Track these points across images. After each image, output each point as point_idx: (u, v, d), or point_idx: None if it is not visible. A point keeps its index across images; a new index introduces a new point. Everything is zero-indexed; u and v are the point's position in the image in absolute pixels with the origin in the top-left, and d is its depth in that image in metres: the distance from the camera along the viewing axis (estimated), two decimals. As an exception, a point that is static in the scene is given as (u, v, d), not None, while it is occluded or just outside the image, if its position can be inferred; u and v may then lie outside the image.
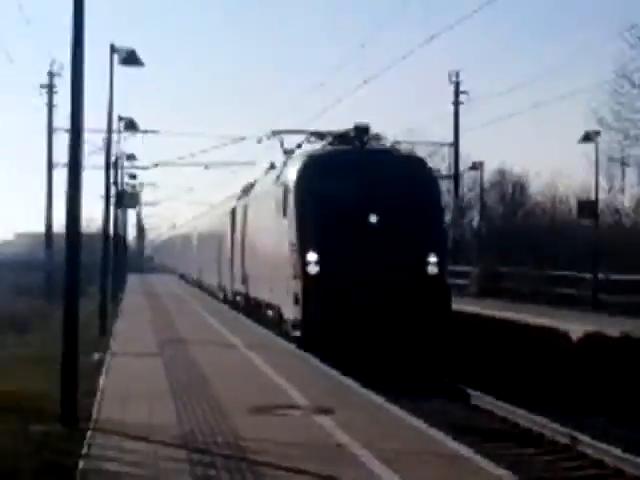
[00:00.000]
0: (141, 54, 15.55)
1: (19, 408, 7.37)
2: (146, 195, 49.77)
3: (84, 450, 5.53)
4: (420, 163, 16.83)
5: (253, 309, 19.77)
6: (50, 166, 32.14)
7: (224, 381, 9.97)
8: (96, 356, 12.52)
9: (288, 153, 17.79)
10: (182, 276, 48.81)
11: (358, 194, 14.30)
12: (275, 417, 7.51)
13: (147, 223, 73.09)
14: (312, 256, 13.72)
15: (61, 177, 29.40)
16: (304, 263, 13.70)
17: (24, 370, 10.48)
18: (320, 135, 16.98)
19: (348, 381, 10.08)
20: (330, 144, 16.31)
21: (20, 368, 10.74)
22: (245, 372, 11.07)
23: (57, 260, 22.78)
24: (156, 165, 33.45)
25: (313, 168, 14.96)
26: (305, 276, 13.65)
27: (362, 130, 15.32)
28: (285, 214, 14.95)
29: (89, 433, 6.26)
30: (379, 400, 8.66)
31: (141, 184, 41.69)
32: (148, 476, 4.82)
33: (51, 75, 32.63)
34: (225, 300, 26.49)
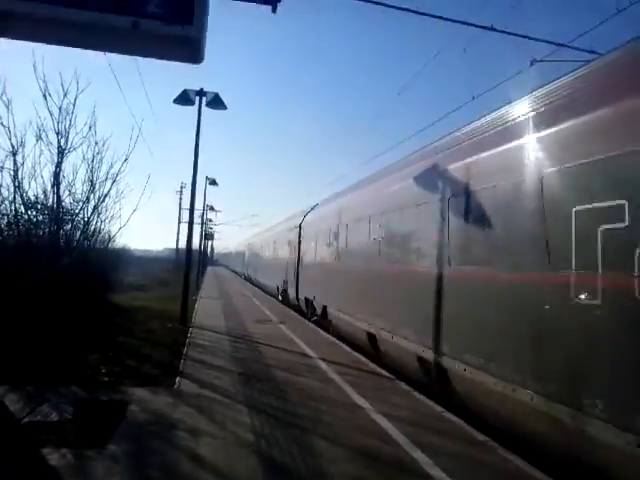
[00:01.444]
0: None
1: (163, 316, 16.59)
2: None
3: (189, 333, 14.24)
4: None
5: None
6: (179, 220, 62.99)
7: (246, 311, 20.67)
8: (194, 297, 23.52)
9: None
10: (233, 271, 79.13)
11: None
12: (264, 324, 16.76)
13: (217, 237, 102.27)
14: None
15: (185, 217, 57.23)
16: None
17: (166, 301, 21.16)
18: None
19: (292, 312, 20.94)
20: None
21: (164, 301, 21.68)
22: (254, 309, 22.15)
23: (180, 259, 45.50)
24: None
25: None
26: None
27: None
28: None
29: (191, 327, 15.06)
30: (303, 319, 18.05)
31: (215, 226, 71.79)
32: (213, 343, 13.28)
33: (181, 187, 61.90)
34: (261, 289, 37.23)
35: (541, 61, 12.89)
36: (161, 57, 5.58)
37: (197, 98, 16.97)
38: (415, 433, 6.64)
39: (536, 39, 12.72)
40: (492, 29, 11.96)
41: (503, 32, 12.16)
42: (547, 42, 12.62)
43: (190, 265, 18.33)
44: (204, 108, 17.07)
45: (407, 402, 8.26)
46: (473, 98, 14.17)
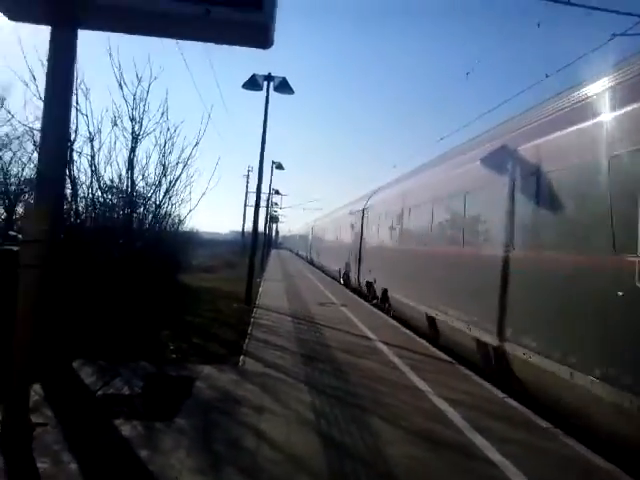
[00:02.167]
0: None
1: (229, 297, 17.09)
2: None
3: (253, 313, 14.59)
4: None
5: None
6: (245, 203, 63.95)
7: (308, 293, 21.00)
8: (258, 279, 23.77)
9: None
10: (297, 254, 79.70)
11: None
12: (326, 307, 16.92)
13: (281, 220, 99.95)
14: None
15: (250, 201, 58.90)
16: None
17: (232, 283, 21.62)
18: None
19: (354, 295, 21.32)
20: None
21: (230, 282, 22.19)
22: (316, 291, 22.62)
23: (246, 242, 46.77)
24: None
25: None
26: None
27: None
28: None
29: (255, 309, 15.41)
30: (364, 302, 18.08)
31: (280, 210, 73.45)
32: (276, 323, 13.55)
33: (248, 171, 64.13)
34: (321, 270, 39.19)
35: (622, 34, 12.23)
36: (231, 43, 5.73)
37: (265, 83, 17.14)
38: (476, 418, 6.61)
39: (616, 12, 12.08)
40: (568, 3, 11.44)
41: (579, 6, 11.61)
42: (628, 14, 11.97)
43: (255, 248, 18.75)
44: (272, 92, 17.28)
45: (467, 386, 8.20)
46: (547, 76, 13.64)
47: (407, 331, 13.15)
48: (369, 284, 19.89)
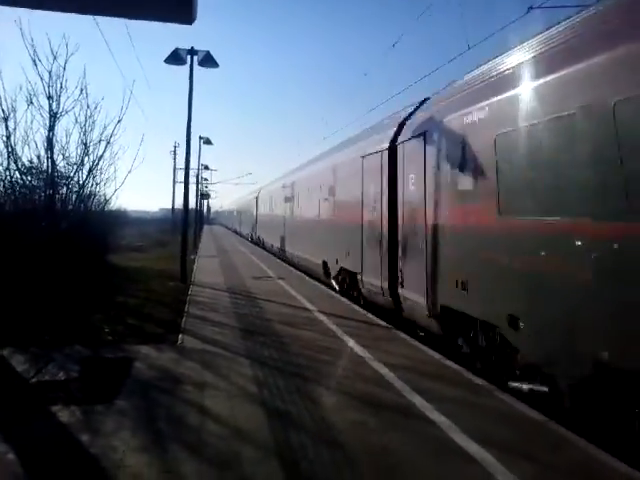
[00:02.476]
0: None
1: (163, 276, 16.76)
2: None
3: (189, 291, 14.39)
4: None
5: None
6: (174, 180, 64.15)
7: (244, 267, 20.79)
8: (192, 256, 23.54)
9: None
10: (226, 227, 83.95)
11: None
12: (262, 280, 16.85)
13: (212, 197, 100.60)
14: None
15: (179, 178, 60.16)
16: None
17: (165, 261, 21.47)
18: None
19: (290, 268, 21.21)
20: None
21: (162, 261, 21.90)
22: (252, 265, 22.48)
23: (176, 219, 46.62)
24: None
25: None
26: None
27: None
28: None
29: (191, 286, 15.19)
30: (305, 276, 18.13)
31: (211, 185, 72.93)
32: (213, 300, 13.41)
33: (175, 147, 63.28)
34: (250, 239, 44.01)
35: (539, 7, 12.57)
36: (152, 18, 5.47)
37: (188, 57, 16.81)
38: (414, 379, 6.82)
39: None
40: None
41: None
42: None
43: (187, 224, 18.47)
44: (196, 67, 16.92)
45: (405, 350, 8.44)
46: (469, 47, 13.91)
47: (346, 301, 13.34)
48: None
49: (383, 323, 10.55)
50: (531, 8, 12.81)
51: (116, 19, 6.26)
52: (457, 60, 14.12)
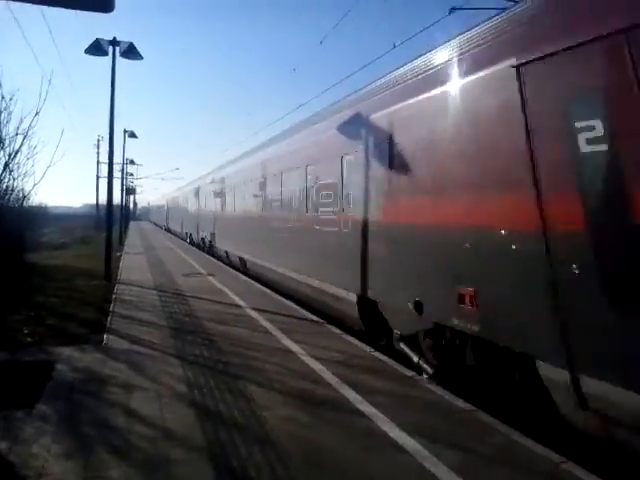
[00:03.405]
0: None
1: (86, 274, 16.12)
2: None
3: (114, 289, 13.91)
4: None
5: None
6: (98, 175, 60.76)
7: (172, 264, 20.44)
8: (118, 253, 22.93)
9: None
10: (154, 223, 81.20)
11: None
12: (192, 277, 16.55)
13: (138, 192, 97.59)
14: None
15: (103, 172, 55.71)
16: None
17: (89, 258, 20.74)
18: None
19: (220, 264, 20.73)
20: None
21: (86, 258, 21.14)
22: (181, 261, 22.32)
23: (101, 215, 44.71)
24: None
25: None
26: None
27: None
28: None
29: (116, 284, 14.70)
30: (235, 272, 17.82)
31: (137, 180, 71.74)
32: (141, 298, 13.04)
33: (98, 140, 58.80)
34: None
35: (460, 9, 13.00)
36: (70, 6, 5.21)
37: (110, 48, 16.20)
38: (346, 373, 6.88)
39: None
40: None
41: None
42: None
43: (112, 221, 17.86)
44: (119, 59, 16.32)
45: (338, 344, 8.49)
46: (394, 46, 14.15)
47: (279, 297, 13.27)
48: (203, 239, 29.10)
49: (316, 318, 10.58)
50: (453, 9, 13.28)
51: (32, 7, 5.91)
52: (384, 58, 14.32)
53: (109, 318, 10.17)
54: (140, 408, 5.59)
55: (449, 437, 4.98)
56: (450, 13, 13.24)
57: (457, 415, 5.61)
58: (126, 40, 16.32)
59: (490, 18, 6.31)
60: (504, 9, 7.45)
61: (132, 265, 19.90)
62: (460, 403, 5.94)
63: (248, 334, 9.09)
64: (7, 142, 12.93)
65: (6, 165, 13.06)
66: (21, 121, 13.21)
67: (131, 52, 16.37)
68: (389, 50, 13.34)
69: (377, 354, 7.95)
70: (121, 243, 32.03)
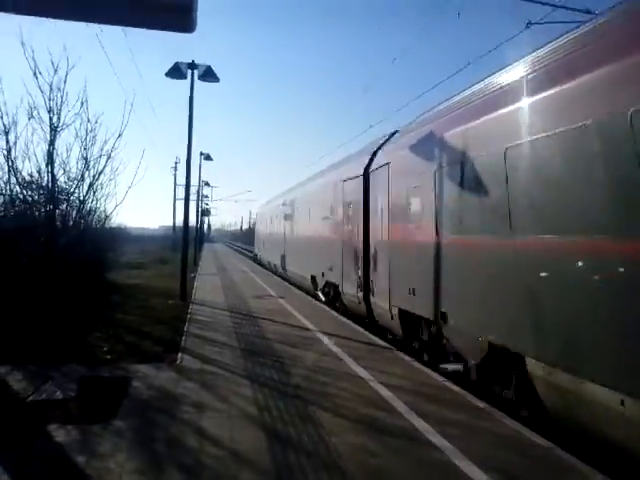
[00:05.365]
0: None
1: (162, 294, 16.63)
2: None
3: (189, 309, 14.28)
4: None
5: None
6: (174, 197, 63.63)
7: (244, 286, 20.88)
8: (193, 274, 23.70)
9: None
10: (228, 245, 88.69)
11: None
12: (263, 299, 16.75)
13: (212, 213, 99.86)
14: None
15: (179, 195, 59.20)
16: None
17: (165, 278, 21.57)
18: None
19: (292, 288, 20.85)
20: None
21: (162, 278, 21.99)
22: (252, 283, 22.62)
23: (177, 236, 44.74)
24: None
25: None
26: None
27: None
28: None
29: (190, 304, 15.10)
30: (304, 294, 17.95)
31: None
32: (214, 319, 13.30)
33: (175, 163, 60.79)
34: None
35: (537, 23, 12.79)
36: (152, 26, 5.41)
37: (189, 71, 16.71)
38: (416, 402, 6.72)
39: (531, 0, 12.58)
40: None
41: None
42: (542, 3, 12.52)
43: (187, 242, 18.45)
44: (197, 81, 16.88)
45: (407, 372, 8.32)
46: (469, 63, 14.01)
47: (346, 320, 13.22)
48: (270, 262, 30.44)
49: (384, 344, 10.44)
50: (530, 24, 13.05)
51: (116, 31, 6.29)
52: (459, 75, 14.29)
53: (183, 337, 10.43)
54: (211, 428, 5.67)
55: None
56: (527, 27, 13.07)
57: (531, 449, 5.34)
58: (204, 63, 16.80)
59: None
60: (582, 22, 7.21)
61: (206, 286, 20.48)
62: (535, 437, 5.66)
63: (317, 358, 9.05)
64: (92, 163, 13.52)
65: (90, 186, 13.68)
66: (105, 143, 13.68)
67: (208, 75, 16.81)
68: (463, 67, 13.30)
69: (449, 384, 7.71)
70: (195, 264, 32.94)
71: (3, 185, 12.05)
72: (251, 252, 48.70)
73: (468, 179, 7.81)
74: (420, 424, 5.94)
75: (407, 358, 9.30)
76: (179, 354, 9.03)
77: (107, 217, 16.51)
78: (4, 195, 12.06)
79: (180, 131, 24.16)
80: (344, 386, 7.40)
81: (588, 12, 11.78)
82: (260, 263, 37.58)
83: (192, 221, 46.83)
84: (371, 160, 13.04)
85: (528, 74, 6.78)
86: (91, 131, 13.37)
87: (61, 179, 13.13)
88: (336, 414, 6.22)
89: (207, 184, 57.81)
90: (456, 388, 7.52)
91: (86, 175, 13.50)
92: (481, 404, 6.81)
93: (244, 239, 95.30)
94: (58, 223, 13.07)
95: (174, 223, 63.93)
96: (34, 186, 12.76)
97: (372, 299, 12.31)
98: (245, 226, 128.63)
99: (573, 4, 12.15)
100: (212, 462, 4.85)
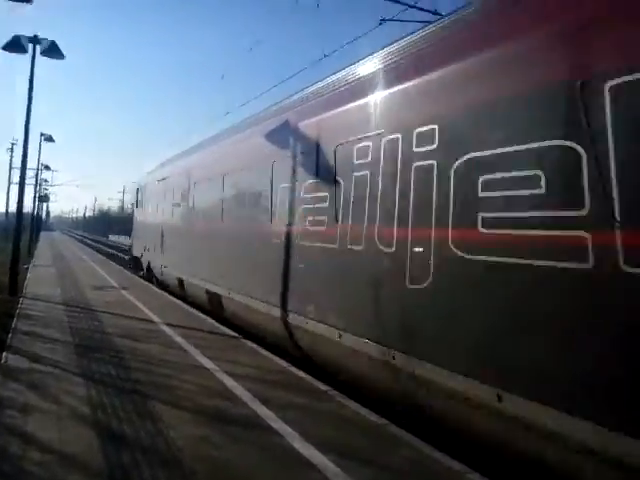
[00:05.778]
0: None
1: (-12, 288, 15.03)
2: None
3: (19, 305, 13.11)
4: None
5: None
6: (9, 181, 57.44)
7: (84, 277, 19.72)
8: (26, 265, 21.91)
9: None
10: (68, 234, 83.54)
11: None
12: (104, 291, 15.92)
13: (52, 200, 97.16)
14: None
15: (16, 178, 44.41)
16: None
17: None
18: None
19: (136, 277, 20.66)
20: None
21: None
22: (94, 273, 21.64)
23: (11, 223, 39.10)
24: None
25: None
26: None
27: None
28: None
29: (21, 299, 13.88)
30: (150, 285, 17.46)
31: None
32: (47, 314, 12.34)
33: (12, 144, 55.76)
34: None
35: (390, 20, 13.49)
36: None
37: (30, 45, 15.36)
38: (260, 389, 6.76)
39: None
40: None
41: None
42: (395, 2, 13.21)
43: (21, 230, 16.91)
44: (39, 57, 15.49)
45: (253, 360, 8.34)
46: (325, 56, 14.42)
47: (195, 311, 12.95)
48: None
49: (232, 333, 10.37)
50: (383, 20, 13.71)
51: None
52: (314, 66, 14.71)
53: (10, 335, 9.53)
54: (37, 431, 5.21)
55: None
56: (380, 24, 13.74)
57: (370, 429, 5.60)
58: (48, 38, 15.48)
59: None
60: (429, 22, 7.62)
61: (40, 278, 18.70)
62: (374, 417, 5.95)
63: (160, 350, 8.76)
64: None
65: None
66: None
67: (53, 51, 15.54)
68: (320, 59, 13.76)
69: (292, 369, 7.86)
70: (30, 254, 30.41)
71: None
72: (91, 238, 46.02)
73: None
74: (262, 411, 5.98)
75: (253, 345, 9.32)
76: (4, 353, 8.23)
77: None
78: None
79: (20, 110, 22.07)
80: (187, 378, 7.23)
81: (435, 13, 12.70)
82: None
83: (29, 207, 43.32)
84: None
85: None
86: None
87: None
88: (177, 407, 6.06)
89: (47, 168, 52.59)
90: (301, 373, 7.68)
91: None
92: (324, 387, 7.01)
93: (86, 227, 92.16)
94: None
95: (7, 209, 58.50)
96: None
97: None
98: (89, 213, 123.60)
99: (423, 4, 13.02)
100: (36, 469, 4.47)
